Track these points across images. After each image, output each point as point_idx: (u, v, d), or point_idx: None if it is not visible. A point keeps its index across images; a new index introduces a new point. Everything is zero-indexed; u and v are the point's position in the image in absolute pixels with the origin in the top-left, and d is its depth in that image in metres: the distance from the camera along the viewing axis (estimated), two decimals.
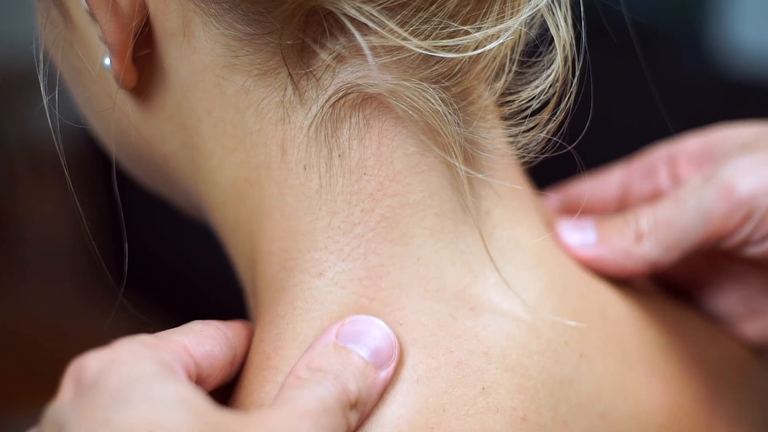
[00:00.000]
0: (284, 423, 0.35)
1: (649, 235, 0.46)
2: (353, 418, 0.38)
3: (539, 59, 0.42)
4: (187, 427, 0.34)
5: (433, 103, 0.39)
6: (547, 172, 0.48)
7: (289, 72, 0.40)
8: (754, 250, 0.46)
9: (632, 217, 0.47)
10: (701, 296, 0.52)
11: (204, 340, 0.40)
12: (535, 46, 0.42)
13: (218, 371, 0.40)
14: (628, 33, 0.50)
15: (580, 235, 0.47)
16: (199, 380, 0.39)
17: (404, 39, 0.38)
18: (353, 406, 0.38)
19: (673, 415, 0.45)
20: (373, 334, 0.40)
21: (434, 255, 0.41)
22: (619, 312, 0.46)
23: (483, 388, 0.40)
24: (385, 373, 0.40)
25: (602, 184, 0.53)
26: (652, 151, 0.52)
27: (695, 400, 0.47)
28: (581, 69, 0.42)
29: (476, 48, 0.39)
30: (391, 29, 0.38)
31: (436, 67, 0.39)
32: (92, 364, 0.36)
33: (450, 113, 0.40)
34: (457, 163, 0.41)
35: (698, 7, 1.78)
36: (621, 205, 0.53)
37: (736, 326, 0.51)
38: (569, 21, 0.41)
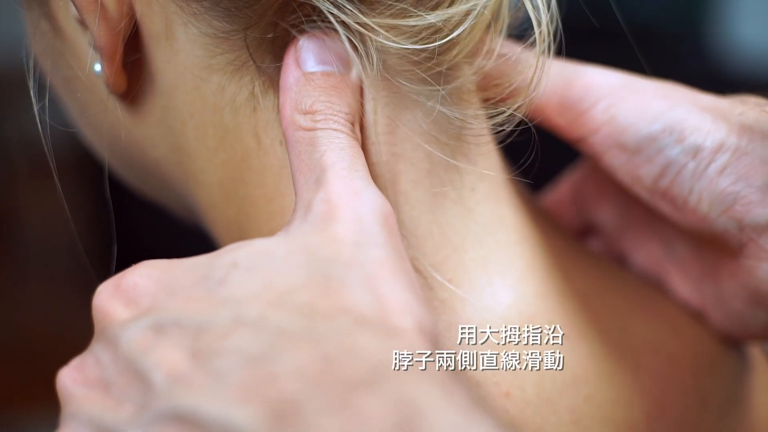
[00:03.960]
0: (346, 200, 0.35)
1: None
2: (358, 133, 0.39)
3: (522, 43, 0.42)
4: (294, 263, 0.33)
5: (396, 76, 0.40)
6: (542, 164, 0.48)
7: (254, 61, 0.40)
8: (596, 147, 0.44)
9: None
10: (669, 287, 0.51)
11: None
12: (523, 30, 0.42)
13: None
14: (626, 33, 0.50)
15: None
16: None
17: (371, 29, 0.39)
18: (353, 122, 0.39)
19: (660, 408, 0.45)
20: (325, 45, 0.40)
21: (409, 221, 0.41)
22: (604, 301, 0.45)
23: None
24: (354, 73, 0.40)
25: (557, 191, 0.53)
26: None
27: (684, 394, 0.46)
28: (558, 52, 0.42)
29: (448, 34, 0.39)
30: (363, 21, 0.39)
31: (410, 48, 0.40)
32: (140, 281, 0.35)
33: (416, 88, 0.40)
34: (423, 144, 0.41)
35: (698, 6, 1.78)
36: (576, 205, 0.52)
37: (706, 316, 0.49)
38: (553, 6, 0.41)
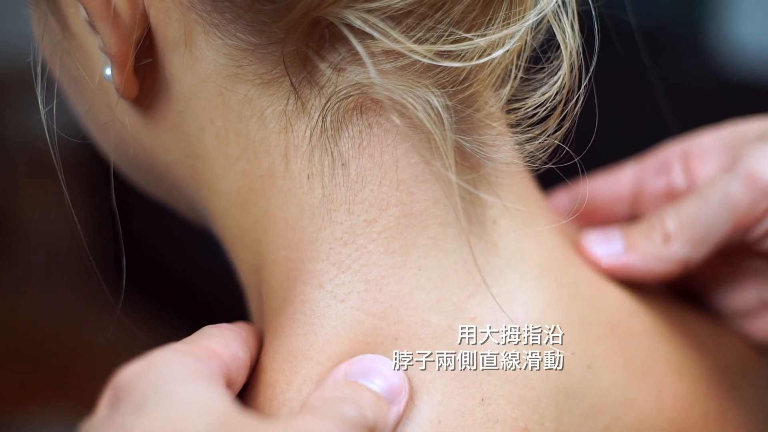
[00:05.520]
0: (309, 426, 0.35)
1: (677, 236, 0.46)
2: None
3: (545, 66, 0.41)
4: (204, 429, 0.33)
5: (430, 107, 0.39)
6: (554, 177, 0.48)
7: (291, 81, 0.39)
8: None
9: (657, 220, 0.47)
10: (713, 292, 0.51)
11: (228, 342, 0.40)
12: (544, 52, 0.42)
13: (243, 373, 0.40)
14: (627, 35, 0.50)
15: (607, 246, 0.47)
16: (228, 383, 0.38)
17: (409, 49, 0.38)
18: None
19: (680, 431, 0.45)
20: (381, 370, 0.39)
21: (436, 265, 0.41)
22: (630, 326, 0.45)
23: (482, 399, 0.40)
24: (396, 409, 0.39)
25: (614, 181, 0.53)
26: (665, 147, 0.52)
27: (706, 417, 0.46)
28: (588, 75, 0.42)
29: (481, 56, 0.38)
30: (395, 38, 0.37)
31: (441, 75, 0.39)
32: (125, 375, 0.36)
33: (448, 118, 0.39)
34: (450, 175, 0.40)
35: (698, 7, 1.78)
36: (633, 203, 0.52)
37: (744, 324, 0.50)
38: (576, 27, 0.41)
